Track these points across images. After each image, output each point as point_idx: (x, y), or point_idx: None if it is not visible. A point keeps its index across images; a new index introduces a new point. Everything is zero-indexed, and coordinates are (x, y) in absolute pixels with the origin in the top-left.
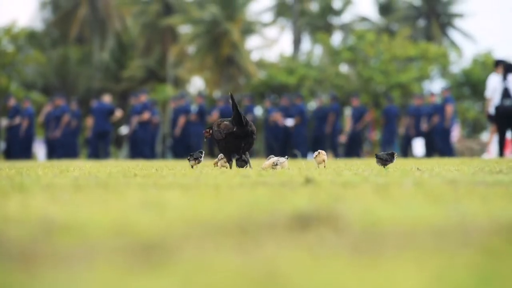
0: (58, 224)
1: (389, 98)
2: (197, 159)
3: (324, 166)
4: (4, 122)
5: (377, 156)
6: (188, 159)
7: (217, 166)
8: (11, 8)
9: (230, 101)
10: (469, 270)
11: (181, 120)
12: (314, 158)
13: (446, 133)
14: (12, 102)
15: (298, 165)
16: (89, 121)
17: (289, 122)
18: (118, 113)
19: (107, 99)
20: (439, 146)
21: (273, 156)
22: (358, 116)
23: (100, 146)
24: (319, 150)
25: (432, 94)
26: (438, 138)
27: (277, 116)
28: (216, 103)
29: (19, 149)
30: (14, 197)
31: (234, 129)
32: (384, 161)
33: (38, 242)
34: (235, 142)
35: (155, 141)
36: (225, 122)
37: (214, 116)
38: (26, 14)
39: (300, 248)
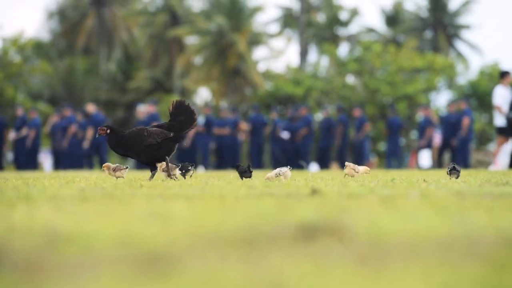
0: (64, 234)
1: (394, 109)
2: (187, 171)
3: (350, 175)
4: (12, 134)
5: (453, 168)
6: (182, 172)
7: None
8: (18, 19)
9: (171, 108)
10: (475, 282)
11: (190, 131)
12: (345, 169)
13: (465, 145)
14: (20, 111)
15: (304, 176)
16: (90, 132)
17: (285, 134)
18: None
19: (91, 108)
20: (456, 157)
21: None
22: (359, 126)
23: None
24: (346, 163)
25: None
26: (456, 149)
27: (278, 130)
28: (223, 113)
29: (25, 159)
30: (20, 208)
31: (172, 135)
32: (459, 172)
33: (43, 252)
34: (170, 147)
35: None
36: (154, 129)
37: (242, 126)
38: (33, 25)
39: (305, 259)
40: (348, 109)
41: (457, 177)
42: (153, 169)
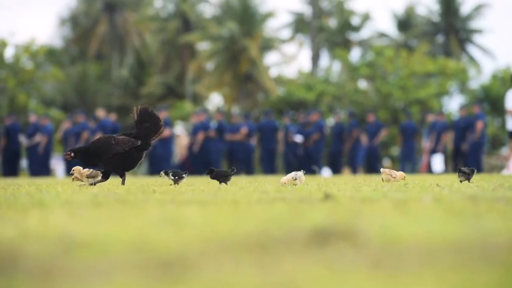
0: (77, 240)
1: (408, 114)
2: (180, 178)
3: (386, 181)
4: (25, 141)
5: (460, 171)
6: (174, 178)
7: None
8: (30, 26)
9: (135, 115)
10: (489, 287)
11: (200, 136)
12: (382, 174)
13: (477, 149)
14: (33, 118)
15: (317, 181)
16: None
17: (298, 138)
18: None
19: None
20: (469, 161)
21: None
22: (372, 131)
23: None
24: (382, 169)
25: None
26: (469, 153)
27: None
28: (235, 118)
29: (38, 165)
30: (34, 214)
31: (140, 143)
32: (467, 175)
33: (57, 258)
34: (137, 155)
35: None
36: (122, 137)
37: (243, 131)
38: (45, 32)
39: (319, 263)
40: (360, 114)
41: (466, 180)
42: (122, 174)
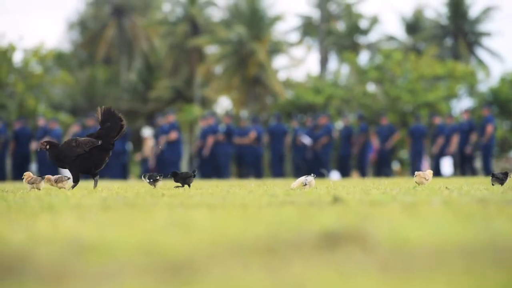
0: (87, 243)
1: (417, 117)
2: (157, 181)
3: (419, 183)
4: (34, 145)
5: (493, 176)
6: (149, 181)
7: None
8: (39, 30)
9: (99, 116)
10: None
11: (210, 140)
12: (415, 177)
13: (487, 152)
14: (41, 122)
15: (325, 184)
16: None
17: (306, 140)
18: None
19: None
20: (481, 164)
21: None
22: (385, 135)
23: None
24: (416, 172)
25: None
26: (480, 156)
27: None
28: (244, 122)
29: (47, 169)
30: (44, 217)
31: (100, 142)
32: (501, 180)
33: (67, 261)
34: (101, 156)
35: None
36: (83, 138)
37: (251, 135)
38: (54, 36)
39: (328, 266)
40: (369, 117)
41: (500, 185)
42: (94, 176)
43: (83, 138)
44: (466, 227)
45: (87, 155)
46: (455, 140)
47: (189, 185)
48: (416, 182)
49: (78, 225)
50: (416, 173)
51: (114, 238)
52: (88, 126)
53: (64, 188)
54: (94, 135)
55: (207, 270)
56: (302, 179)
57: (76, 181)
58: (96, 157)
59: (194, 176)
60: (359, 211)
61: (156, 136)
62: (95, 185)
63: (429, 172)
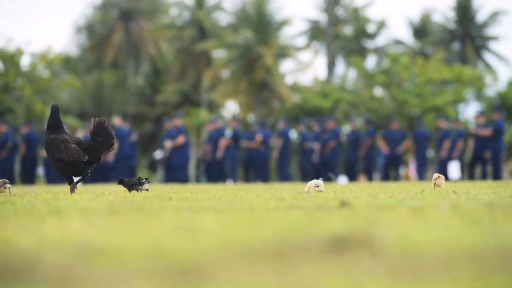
0: (94, 247)
1: (420, 122)
2: (142, 184)
3: (438, 185)
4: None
5: None
6: (129, 186)
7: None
8: (46, 34)
9: (91, 127)
10: None
11: (222, 142)
12: (434, 180)
13: (497, 156)
14: None
15: (333, 188)
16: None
17: (314, 144)
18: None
19: (118, 121)
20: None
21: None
22: (396, 139)
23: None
24: (436, 174)
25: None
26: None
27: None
28: (252, 127)
29: (54, 173)
30: (51, 221)
31: (86, 158)
32: None
33: (74, 265)
34: (84, 167)
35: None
36: (73, 146)
37: (258, 138)
38: (61, 40)
39: (336, 271)
40: (376, 121)
41: None
42: (71, 181)
43: (72, 146)
44: (474, 231)
45: (69, 163)
46: (460, 145)
47: (137, 191)
48: (435, 185)
49: (86, 229)
50: (435, 174)
51: (121, 242)
52: None
53: (4, 192)
54: (84, 146)
55: (214, 274)
56: (314, 181)
57: (70, 182)
58: (78, 167)
59: (144, 183)
60: (367, 215)
61: (163, 141)
62: (72, 190)
63: (441, 178)
